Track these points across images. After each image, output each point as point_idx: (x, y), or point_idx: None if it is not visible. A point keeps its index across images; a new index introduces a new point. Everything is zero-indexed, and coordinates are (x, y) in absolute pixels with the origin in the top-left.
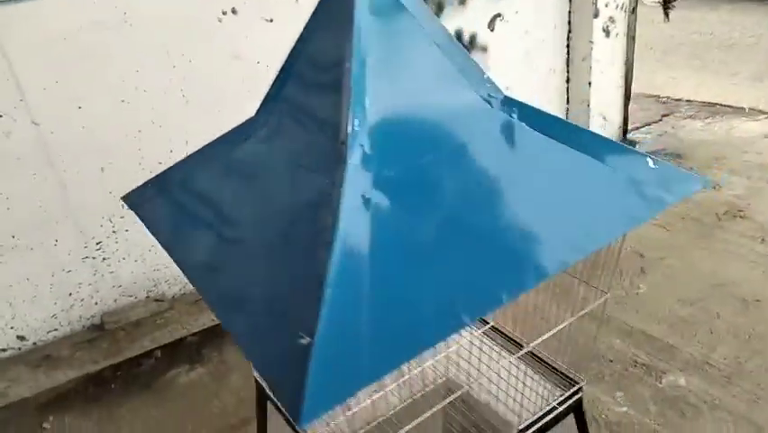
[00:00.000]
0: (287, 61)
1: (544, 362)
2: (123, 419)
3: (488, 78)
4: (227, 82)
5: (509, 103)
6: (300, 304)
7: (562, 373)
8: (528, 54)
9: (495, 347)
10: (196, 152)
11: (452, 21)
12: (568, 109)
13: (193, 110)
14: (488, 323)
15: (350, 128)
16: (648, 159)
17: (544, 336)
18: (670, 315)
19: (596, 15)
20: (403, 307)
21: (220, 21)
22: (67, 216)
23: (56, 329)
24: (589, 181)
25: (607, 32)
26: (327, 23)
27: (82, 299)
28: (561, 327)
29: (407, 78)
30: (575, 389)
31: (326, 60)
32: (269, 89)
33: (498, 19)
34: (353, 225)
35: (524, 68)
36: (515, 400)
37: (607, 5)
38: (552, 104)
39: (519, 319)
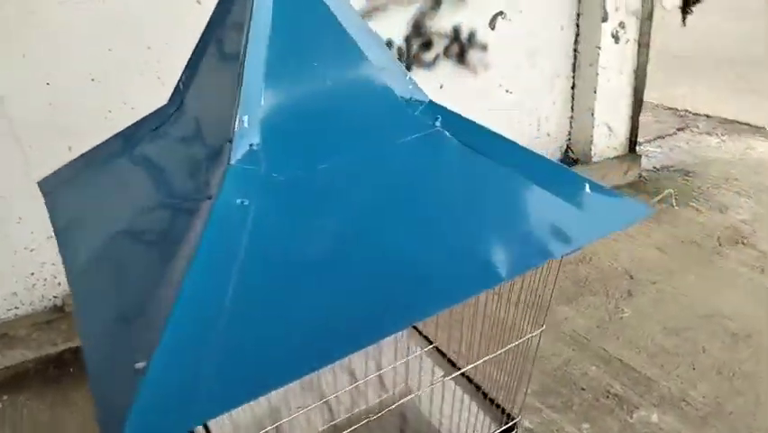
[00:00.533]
0: (193, 51)
1: (483, 392)
2: (77, 405)
3: (410, 79)
4: None
5: (434, 109)
6: (147, 324)
7: (499, 406)
8: (532, 56)
9: (435, 369)
10: (110, 138)
11: (450, 16)
12: (572, 117)
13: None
14: (431, 342)
15: (237, 124)
16: (586, 183)
17: (476, 363)
18: (652, 344)
19: (605, 19)
20: (265, 334)
21: (199, 2)
22: (31, 194)
23: (16, 308)
24: (511, 202)
25: (616, 38)
26: (229, 13)
27: (45, 279)
28: (490, 356)
29: (317, 74)
30: (509, 424)
31: (225, 52)
32: (180, 76)
33: (501, 17)
34: (223, 236)
35: (526, 69)
36: (450, 429)
37: (617, 9)
38: (555, 109)
39: (464, 342)
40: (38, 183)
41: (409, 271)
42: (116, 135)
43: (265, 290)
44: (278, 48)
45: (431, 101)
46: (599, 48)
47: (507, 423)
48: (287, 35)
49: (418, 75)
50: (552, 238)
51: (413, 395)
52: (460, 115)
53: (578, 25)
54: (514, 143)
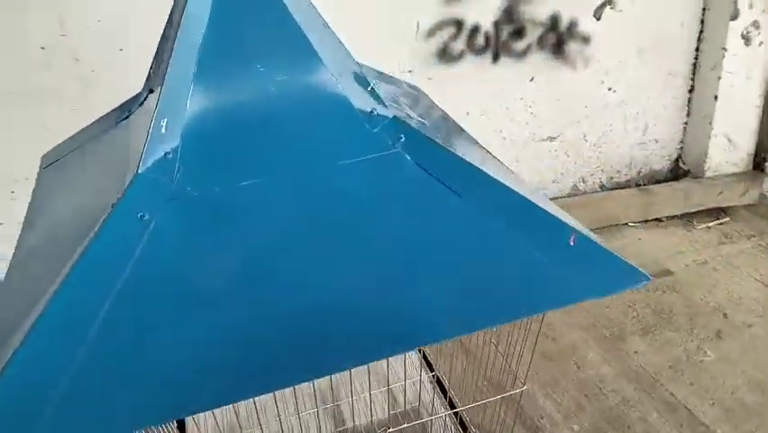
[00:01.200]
0: (161, 35)
1: None
2: None
3: (373, 90)
4: None
5: (398, 127)
6: (7, 344)
7: None
8: (642, 52)
9: (433, 398)
10: (97, 120)
11: (548, 3)
12: (687, 123)
13: None
14: (432, 370)
15: (153, 129)
16: (571, 235)
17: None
18: (731, 397)
19: (734, 17)
20: (126, 372)
21: None
22: None
23: None
24: (472, 248)
25: (747, 39)
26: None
27: None
28: (472, 405)
29: (259, 79)
30: None
31: (167, 45)
32: (151, 62)
33: (609, 6)
34: (110, 252)
35: (635, 67)
36: None
37: (751, 6)
38: (666, 114)
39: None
40: (41, 157)
41: (326, 319)
42: (100, 118)
43: (141, 320)
44: (215, 45)
45: (395, 117)
46: (725, 49)
47: None
48: (228, 31)
49: (506, 65)
50: (513, 296)
51: (428, 418)
52: (429, 139)
53: (702, 22)
54: (492, 179)
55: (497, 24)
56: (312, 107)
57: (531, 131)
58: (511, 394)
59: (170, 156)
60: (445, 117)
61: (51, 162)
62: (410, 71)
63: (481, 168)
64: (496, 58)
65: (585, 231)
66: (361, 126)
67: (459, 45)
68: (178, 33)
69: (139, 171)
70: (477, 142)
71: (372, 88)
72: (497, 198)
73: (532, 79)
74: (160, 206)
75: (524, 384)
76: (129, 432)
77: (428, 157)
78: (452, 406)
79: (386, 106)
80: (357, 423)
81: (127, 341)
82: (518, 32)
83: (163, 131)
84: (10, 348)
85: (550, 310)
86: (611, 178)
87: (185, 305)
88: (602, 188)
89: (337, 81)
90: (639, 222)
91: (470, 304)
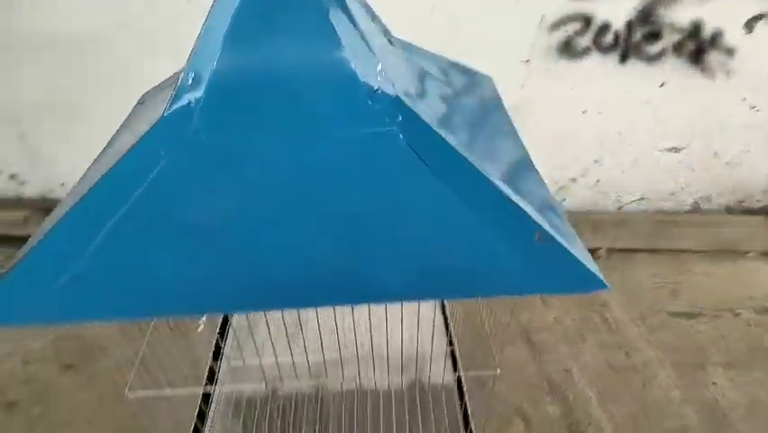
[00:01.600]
0: None
1: None
2: None
3: (382, 72)
4: None
5: (398, 107)
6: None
7: None
8: None
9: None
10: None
11: (692, 8)
12: None
13: None
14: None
15: (182, 80)
16: (536, 231)
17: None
18: None
19: None
20: (126, 273)
21: None
22: None
23: None
24: (438, 227)
25: None
26: None
27: None
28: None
29: (280, 46)
30: None
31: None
32: None
33: (763, 20)
34: (127, 177)
35: None
36: None
37: None
38: None
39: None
40: (142, 94)
41: (297, 263)
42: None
43: (140, 236)
44: (246, 14)
45: (398, 97)
46: None
47: None
48: (260, 4)
49: (635, 67)
50: (468, 276)
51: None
52: (426, 124)
53: None
54: (475, 170)
55: (630, 24)
56: (322, 79)
57: (654, 138)
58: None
59: (192, 105)
60: (485, 107)
61: (141, 100)
62: (527, 61)
63: (474, 160)
64: (624, 58)
65: (560, 230)
66: (364, 101)
67: (584, 41)
68: (213, 11)
69: (164, 114)
70: (510, 137)
71: (381, 69)
72: (476, 188)
73: (662, 85)
74: (175, 145)
75: (497, 369)
76: (107, 318)
77: (420, 139)
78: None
79: (392, 86)
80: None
81: (127, 249)
82: (654, 35)
83: (190, 82)
84: (41, 236)
85: (501, 296)
86: (741, 201)
87: (179, 231)
88: (728, 211)
89: (351, 59)
90: (761, 252)
91: (423, 276)
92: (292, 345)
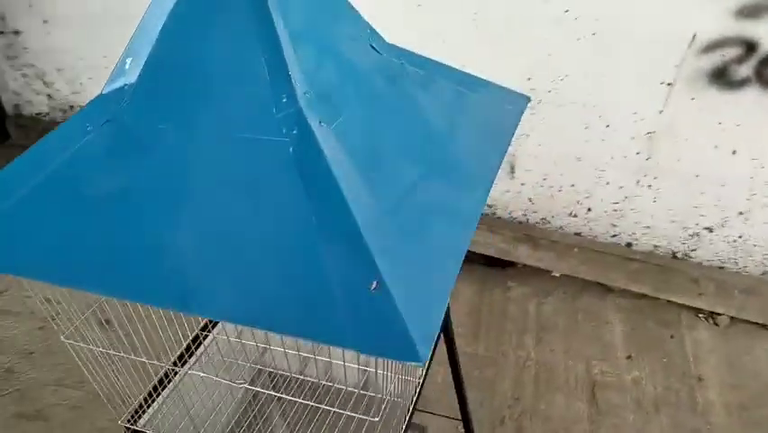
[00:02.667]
0: None
1: None
2: None
3: (297, 80)
4: None
5: (298, 120)
6: None
7: None
8: None
9: None
10: None
11: None
12: None
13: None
14: None
15: (119, 64)
16: (375, 277)
17: None
18: None
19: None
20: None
21: None
22: None
23: None
24: (285, 256)
25: None
26: None
27: None
28: None
29: (211, 42)
30: None
31: None
32: None
33: None
34: (55, 144)
35: None
36: None
37: None
38: None
39: None
40: None
41: (158, 253)
42: None
43: (58, 200)
44: (188, 3)
45: (300, 110)
46: None
47: None
48: None
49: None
50: (297, 312)
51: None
52: (317, 142)
53: None
54: (346, 204)
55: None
56: (238, 81)
57: None
58: None
59: (125, 88)
60: (480, 125)
61: None
62: (669, 84)
63: (360, 190)
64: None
65: (400, 284)
66: (270, 109)
67: (744, 70)
68: None
69: (102, 92)
70: (482, 166)
71: (293, 77)
72: (337, 220)
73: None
74: (102, 123)
75: None
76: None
77: (309, 157)
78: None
79: (305, 96)
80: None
81: (37, 210)
82: None
83: (127, 67)
84: None
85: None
86: None
87: (85, 203)
88: None
89: (268, 64)
90: None
91: (252, 300)
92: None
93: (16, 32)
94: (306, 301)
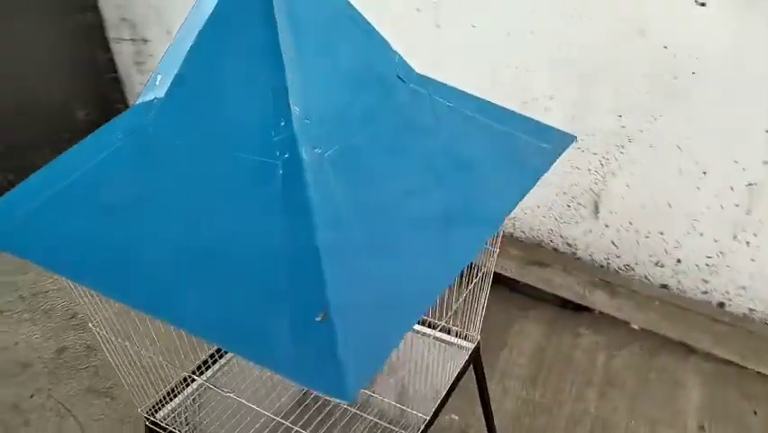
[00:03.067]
0: None
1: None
2: None
3: (297, 105)
4: None
5: (291, 145)
6: None
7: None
8: None
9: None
10: None
11: None
12: None
13: None
14: None
15: (151, 79)
16: (322, 308)
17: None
18: None
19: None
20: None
21: None
22: None
23: None
24: (260, 276)
25: None
26: None
27: None
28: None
29: (230, 70)
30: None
31: None
32: None
33: None
34: (90, 149)
35: None
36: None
37: None
38: None
39: None
40: None
41: (157, 262)
42: None
43: (76, 202)
44: (214, 25)
45: (294, 136)
46: None
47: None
48: (224, 24)
49: None
50: (253, 336)
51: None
52: (302, 168)
53: None
54: (312, 233)
55: None
56: (247, 102)
57: None
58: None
59: (154, 102)
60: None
61: None
62: None
63: (334, 215)
64: None
65: (344, 314)
66: (270, 132)
67: None
68: (194, 9)
69: (135, 103)
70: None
71: (293, 102)
72: (302, 246)
73: None
74: (131, 133)
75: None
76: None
77: (296, 183)
78: None
79: (294, 122)
80: None
81: (64, 210)
82: None
83: (157, 83)
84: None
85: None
86: None
87: (104, 207)
88: None
89: (272, 88)
90: None
91: (218, 319)
92: None
93: (145, 41)
94: (257, 321)
